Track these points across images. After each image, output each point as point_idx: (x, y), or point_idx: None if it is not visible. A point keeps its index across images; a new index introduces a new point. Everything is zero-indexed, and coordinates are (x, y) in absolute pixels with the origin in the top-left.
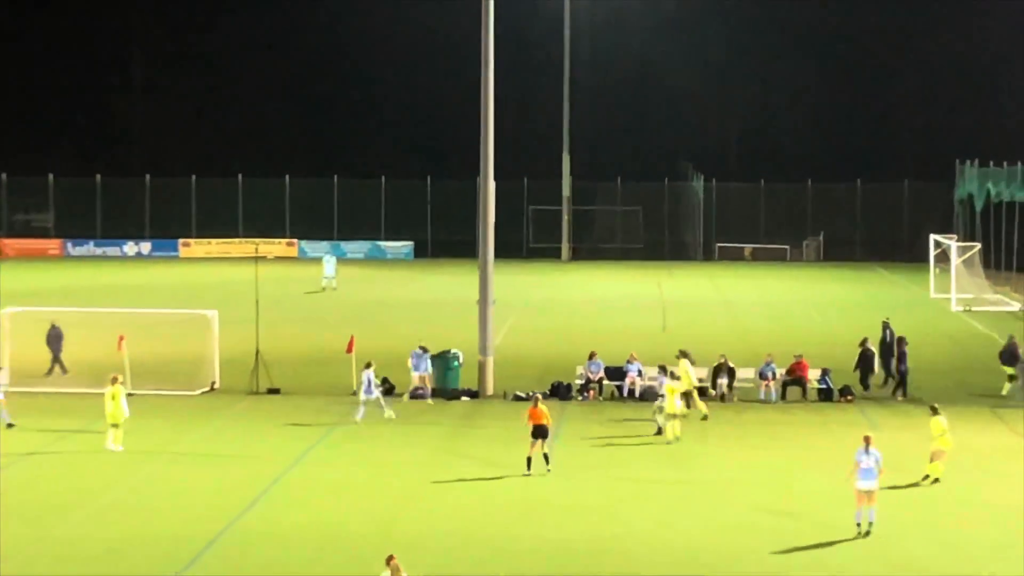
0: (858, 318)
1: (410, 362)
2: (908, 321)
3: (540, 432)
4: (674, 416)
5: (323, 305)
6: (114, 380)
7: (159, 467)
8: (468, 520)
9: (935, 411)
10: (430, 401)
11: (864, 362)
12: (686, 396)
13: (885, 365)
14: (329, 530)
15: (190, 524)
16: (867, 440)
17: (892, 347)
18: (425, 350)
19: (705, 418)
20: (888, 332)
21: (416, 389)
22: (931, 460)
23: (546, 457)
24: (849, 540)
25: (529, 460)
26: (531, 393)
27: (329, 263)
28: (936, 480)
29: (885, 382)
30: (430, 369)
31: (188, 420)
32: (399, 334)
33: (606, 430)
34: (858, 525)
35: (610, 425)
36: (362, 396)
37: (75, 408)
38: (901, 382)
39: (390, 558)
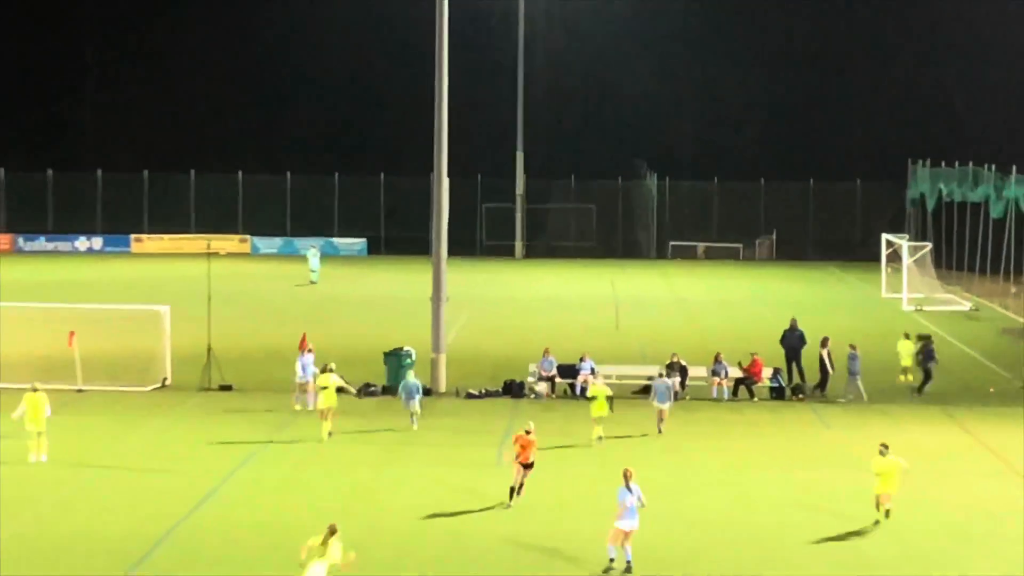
0: (811, 317)
1: (298, 367)
2: (860, 320)
3: (527, 466)
4: (600, 419)
5: (276, 302)
6: (34, 389)
7: (109, 463)
8: (420, 517)
9: (884, 451)
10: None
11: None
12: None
13: (789, 365)
14: (280, 527)
15: (141, 521)
16: (627, 475)
17: (797, 346)
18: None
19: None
20: (796, 332)
21: (367, 385)
22: (876, 504)
23: (520, 489)
24: (802, 537)
25: (512, 490)
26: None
27: (314, 257)
28: (887, 512)
29: (789, 381)
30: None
31: (139, 416)
32: (352, 331)
33: (558, 427)
34: (611, 560)
35: (563, 422)
36: (298, 379)
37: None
38: (926, 378)
39: (331, 525)
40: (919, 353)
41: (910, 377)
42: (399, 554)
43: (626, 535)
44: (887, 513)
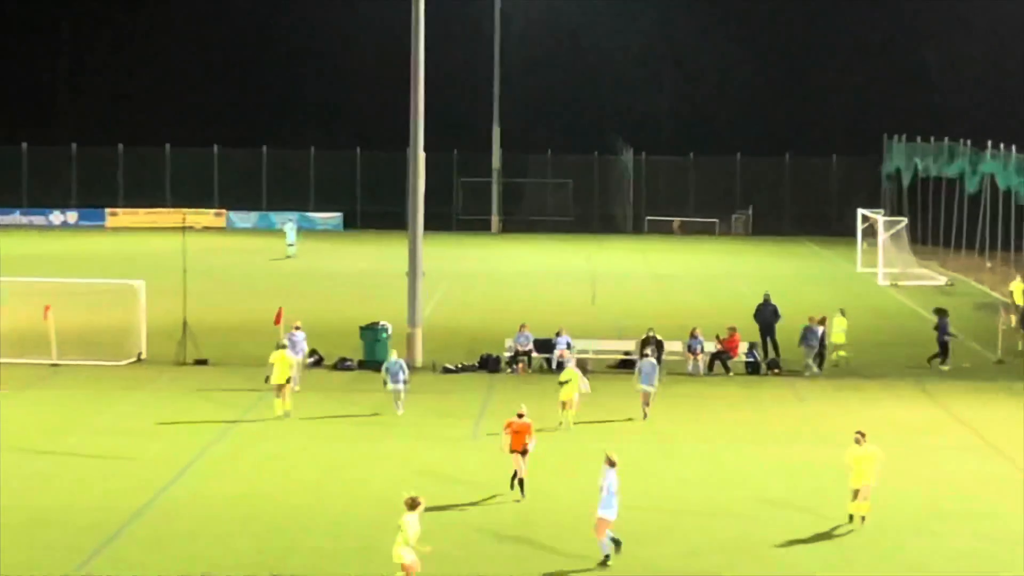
0: (786, 292)
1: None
2: (835, 295)
3: (523, 453)
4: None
5: (252, 276)
6: None
7: (84, 437)
8: (396, 491)
9: (861, 439)
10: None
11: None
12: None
13: (764, 340)
14: (255, 501)
15: (116, 495)
16: (611, 462)
17: (771, 320)
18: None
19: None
20: (769, 307)
21: (343, 360)
22: (854, 498)
23: (522, 483)
24: (775, 511)
25: (518, 480)
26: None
27: (291, 231)
28: (863, 518)
29: (764, 355)
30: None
31: (114, 391)
32: (328, 306)
33: (535, 403)
34: (606, 557)
35: (539, 398)
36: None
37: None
38: (942, 352)
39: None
40: (935, 327)
41: (842, 354)
42: (375, 528)
43: (610, 524)
44: (862, 519)
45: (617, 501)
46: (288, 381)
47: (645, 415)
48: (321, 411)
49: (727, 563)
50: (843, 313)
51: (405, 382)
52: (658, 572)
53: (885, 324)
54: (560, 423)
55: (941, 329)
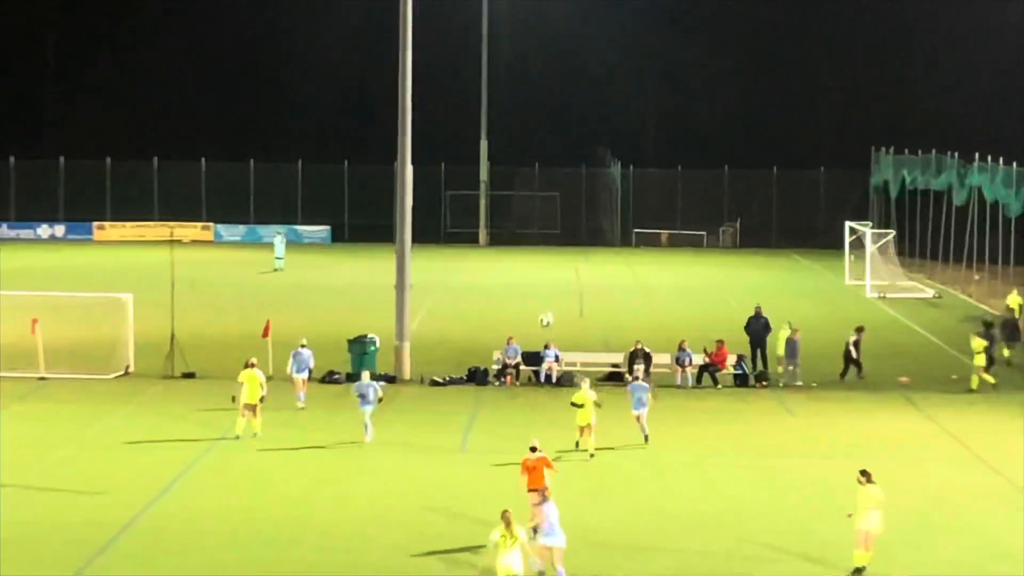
0: (774, 304)
1: (292, 364)
2: (823, 307)
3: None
4: (588, 427)
5: (240, 290)
6: None
7: (72, 452)
8: (384, 505)
9: (866, 479)
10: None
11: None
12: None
13: (753, 352)
14: (243, 514)
15: (104, 509)
16: (543, 494)
17: (763, 333)
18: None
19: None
20: (761, 319)
21: (331, 373)
22: (864, 547)
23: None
24: (766, 524)
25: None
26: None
27: (280, 244)
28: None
29: (753, 368)
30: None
31: (102, 404)
32: (317, 319)
33: (522, 415)
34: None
35: (526, 410)
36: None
37: None
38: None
39: (504, 512)
40: (980, 335)
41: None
42: (362, 541)
43: (553, 551)
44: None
45: (560, 529)
46: (261, 400)
47: (646, 439)
48: (308, 424)
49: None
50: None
51: (379, 400)
52: None
53: (873, 336)
54: (576, 444)
55: (988, 339)
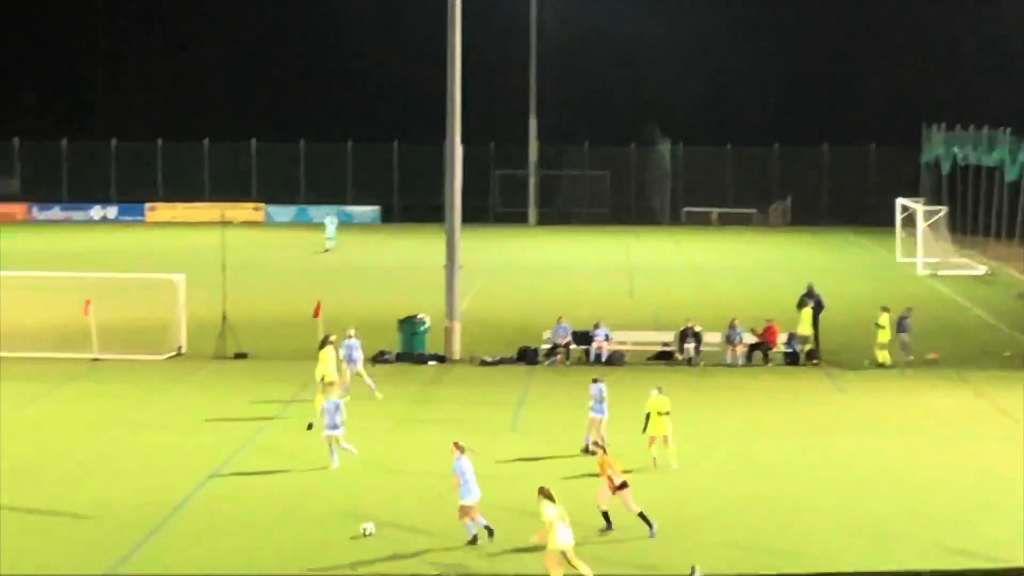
0: (826, 283)
1: (342, 353)
2: (875, 285)
3: (620, 487)
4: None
5: (291, 270)
6: None
7: (125, 432)
8: (434, 485)
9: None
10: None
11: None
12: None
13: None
14: (294, 495)
15: (156, 489)
16: (459, 448)
17: (816, 311)
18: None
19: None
20: (813, 296)
21: (381, 353)
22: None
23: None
24: (817, 502)
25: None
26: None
27: (332, 224)
28: None
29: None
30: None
31: (154, 385)
32: (367, 299)
33: (573, 394)
34: (474, 537)
35: (577, 389)
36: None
37: (41, 372)
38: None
39: (545, 488)
40: None
41: (811, 346)
42: (415, 518)
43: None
44: None
45: (475, 484)
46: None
47: (654, 463)
48: (360, 404)
49: (766, 555)
50: (807, 305)
51: (342, 423)
52: (696, 564)
53: (925, 314)
54: (654, 461)
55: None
